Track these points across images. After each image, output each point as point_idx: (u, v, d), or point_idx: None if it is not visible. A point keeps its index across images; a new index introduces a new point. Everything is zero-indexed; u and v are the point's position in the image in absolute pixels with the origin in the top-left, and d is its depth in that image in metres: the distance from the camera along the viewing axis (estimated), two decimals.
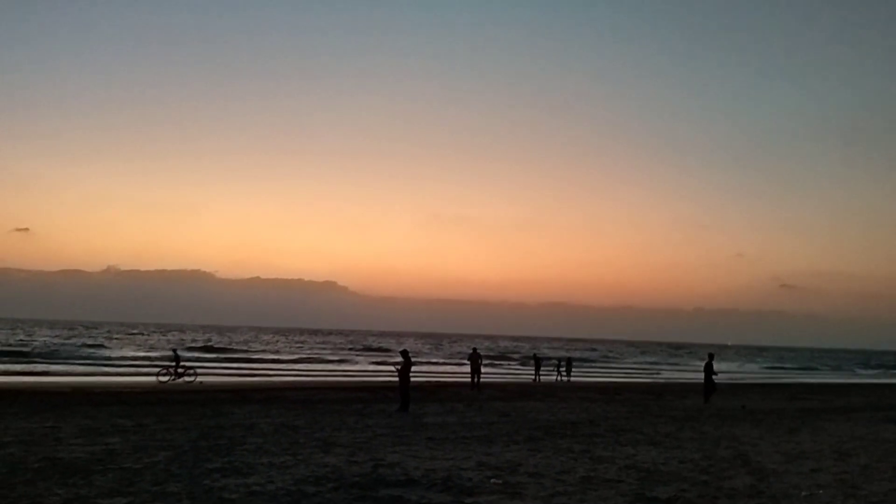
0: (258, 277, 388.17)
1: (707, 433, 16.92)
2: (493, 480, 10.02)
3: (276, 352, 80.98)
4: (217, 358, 62.79)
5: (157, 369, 33.95)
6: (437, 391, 30.44)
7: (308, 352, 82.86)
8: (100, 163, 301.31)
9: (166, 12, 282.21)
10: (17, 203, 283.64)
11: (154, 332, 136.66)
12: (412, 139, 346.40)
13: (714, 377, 28.66)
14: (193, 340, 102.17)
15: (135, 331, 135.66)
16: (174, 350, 38.09)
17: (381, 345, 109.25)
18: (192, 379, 33.64)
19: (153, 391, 27.71)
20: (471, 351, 35.61)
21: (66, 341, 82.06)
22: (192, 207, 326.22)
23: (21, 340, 79.11)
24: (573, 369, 47.46)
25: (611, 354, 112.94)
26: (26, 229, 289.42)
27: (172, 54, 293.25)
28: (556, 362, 49.09)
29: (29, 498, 8.29)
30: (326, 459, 11.44)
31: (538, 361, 46.72)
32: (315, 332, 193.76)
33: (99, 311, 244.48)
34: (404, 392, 20.70)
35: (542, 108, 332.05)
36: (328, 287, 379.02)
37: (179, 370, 33.88)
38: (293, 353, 77.55)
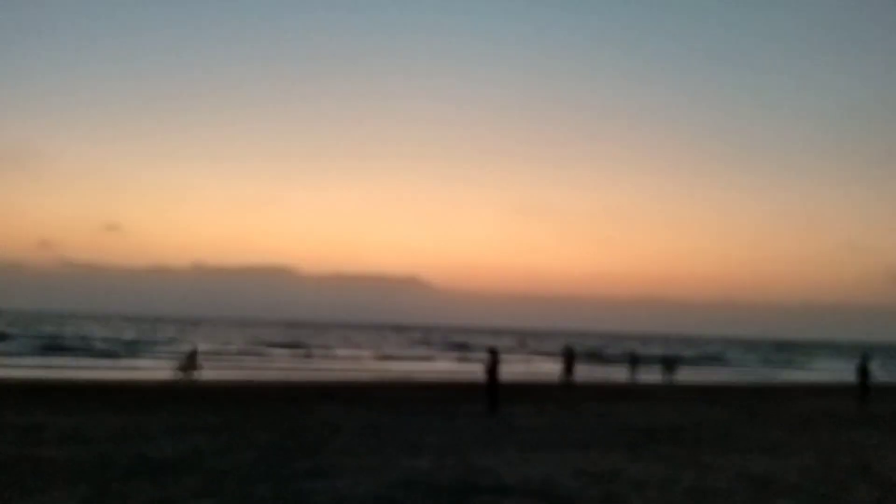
0: (340, 273, 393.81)
1: (823, 439, 15.73)
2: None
3: (359, 348, 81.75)
4: (299, 354, 63.76)
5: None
6: (528, 391, 29.76)
7: (391, 348, 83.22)
8: (188, 163, 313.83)
9: (251, 13, 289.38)
10: (109, 202, 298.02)
11: (238, 327, 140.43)
12: (496, 130, 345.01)
13: (867, 379, 26.98)
14: (274, 336, 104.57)
15: (218, 326, 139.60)
16: (193, 346, 38.07)
17: (465, 341, 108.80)
18: (198, 376, 32.49)
19: (238, 388, 28.07)
20: (563, 348, 34.76)
21: (154, 337, 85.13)
22: (276, 205, 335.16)
23: (110, 336, 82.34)
24: (676, 369, 46.01)
25: (711, 352, 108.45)
26: (117, 227, 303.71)
27: (255, 55, 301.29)
28: (659, 362, 47.90)
29: (119, 496, 8.21)
30: (415, 463, 11.02)
31: (635, 361, 45.49)
32: (398, 328, 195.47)
33: (185, 306, 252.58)
34: (493, 392, 20.10)
35: (633, 95, 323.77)
36: (411, 282, 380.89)
37: (192, 367, 33.66)
38: (376, 350, 78.07)
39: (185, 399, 22.01)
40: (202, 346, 45.17)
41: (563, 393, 29.18)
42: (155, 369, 39.28)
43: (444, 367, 55.29)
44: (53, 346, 59.28)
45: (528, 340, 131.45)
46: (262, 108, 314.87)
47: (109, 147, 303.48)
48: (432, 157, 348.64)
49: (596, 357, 79.68)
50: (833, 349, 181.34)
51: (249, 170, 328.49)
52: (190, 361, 33.59)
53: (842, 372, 61.20)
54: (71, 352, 55.14)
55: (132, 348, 63.48)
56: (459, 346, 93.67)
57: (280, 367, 46.25)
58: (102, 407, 18.76)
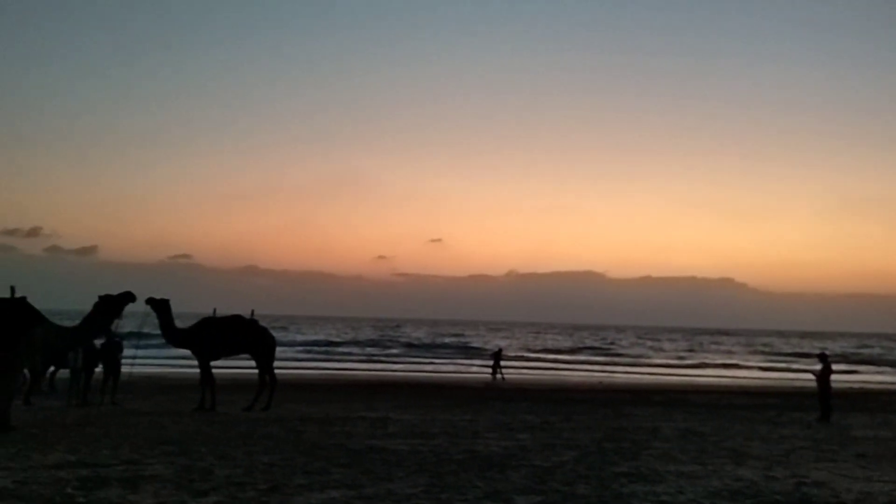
0: (649, 276, 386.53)
1: None
2: None
3: (671, 352, 79.54)
4: (610, 360, 63.64)
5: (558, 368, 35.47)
6: (865, 400, 26.82)
7: (705, 353, 79.71)
8: (499, 177, 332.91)
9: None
10: (432, 218, 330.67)
11: (550, 330, 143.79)
12: (810, 114, 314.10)
13: None
14: (584, 338, 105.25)
15: (532, 329, 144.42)
16: (499, 349, 40.10)
17: (787, 346, 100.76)
18: (501, 377, 34.68)
19: (554, 388, 28.95)
20: None
21: (474, 339, 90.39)
22: (582, 211, 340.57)
23: (437, 339, 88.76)
24: None
25: None
26: (439, 240, 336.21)
27: (550, 83, 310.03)
28: None
29: (454, 488, 8.92)
30: (740, 472, 10.56)
31: None
32: (712, 332, 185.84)
33: (501, 311, 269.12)
34: (825, 400, 18.58)
35: None
36: (724, 284, 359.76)
37: (498, 367, 35.24)
38: (689, 354, 75.35)
39: (503, 398, 23.31)
40: (515, 349, 47.74)
41: None
42: (476, 371, 42.10)
43: (762, 374, 51.76)
44: (392, 349, 66.65)
45: (863, 345, 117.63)
46: (559, 126, 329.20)
47: (432, 171, 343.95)
48: (742, 151, 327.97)
49: None
50: None
51: (555, 182, 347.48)
52: (496, 362, 36.07)
53: None
54: (406, 353, 61.40)
55: (458, 350, 68.74)
56: (782, 353, 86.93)
57: (591, 369, 46.76)
58: (436, 404, 20.61)
